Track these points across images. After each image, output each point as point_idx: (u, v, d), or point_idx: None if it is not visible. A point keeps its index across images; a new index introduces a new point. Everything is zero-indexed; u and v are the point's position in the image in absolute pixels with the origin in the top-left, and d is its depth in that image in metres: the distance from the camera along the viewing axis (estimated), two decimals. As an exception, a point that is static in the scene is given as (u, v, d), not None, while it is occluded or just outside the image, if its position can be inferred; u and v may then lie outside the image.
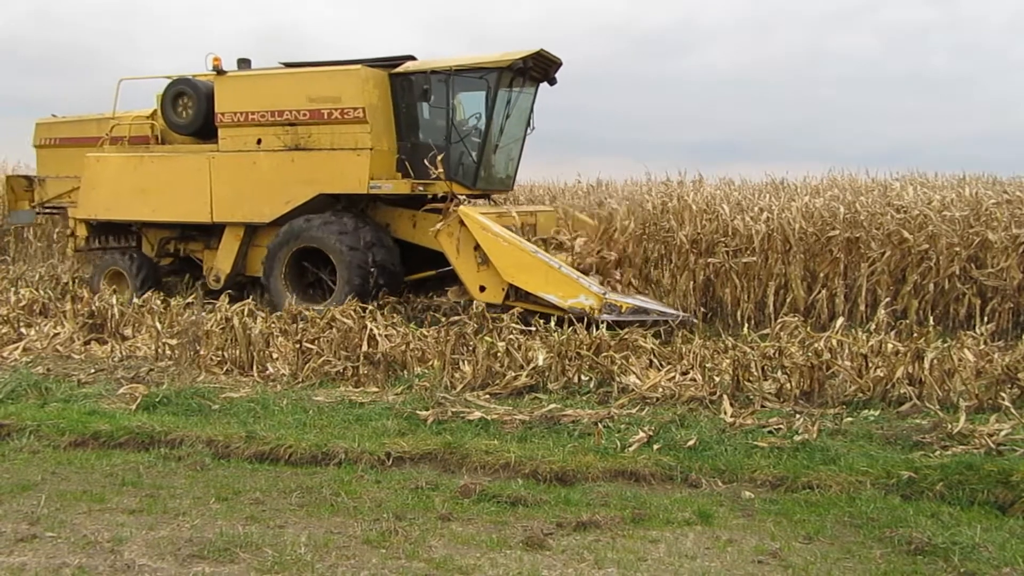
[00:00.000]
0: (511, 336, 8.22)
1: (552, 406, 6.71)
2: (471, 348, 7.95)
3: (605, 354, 7.59)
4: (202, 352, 8.29)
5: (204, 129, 11.74)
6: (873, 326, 8.16)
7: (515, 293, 9.95)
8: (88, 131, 12.95)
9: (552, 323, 8.75)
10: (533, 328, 8.86)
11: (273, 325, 9.03)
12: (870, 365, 6.95)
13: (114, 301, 9.93)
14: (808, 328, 8.05)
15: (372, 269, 10.58)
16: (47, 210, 13.81)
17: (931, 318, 8.99)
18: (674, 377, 7.39)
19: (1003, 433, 5.72)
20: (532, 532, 4.51)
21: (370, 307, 9.71)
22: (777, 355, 7.27)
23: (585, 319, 8.97)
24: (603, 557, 4.25)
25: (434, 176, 10.41)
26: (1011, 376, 6.66)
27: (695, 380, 7.27)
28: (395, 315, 10.30)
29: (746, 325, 9.06)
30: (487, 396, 7.16)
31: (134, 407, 6.98)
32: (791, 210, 11.34)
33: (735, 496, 5.18)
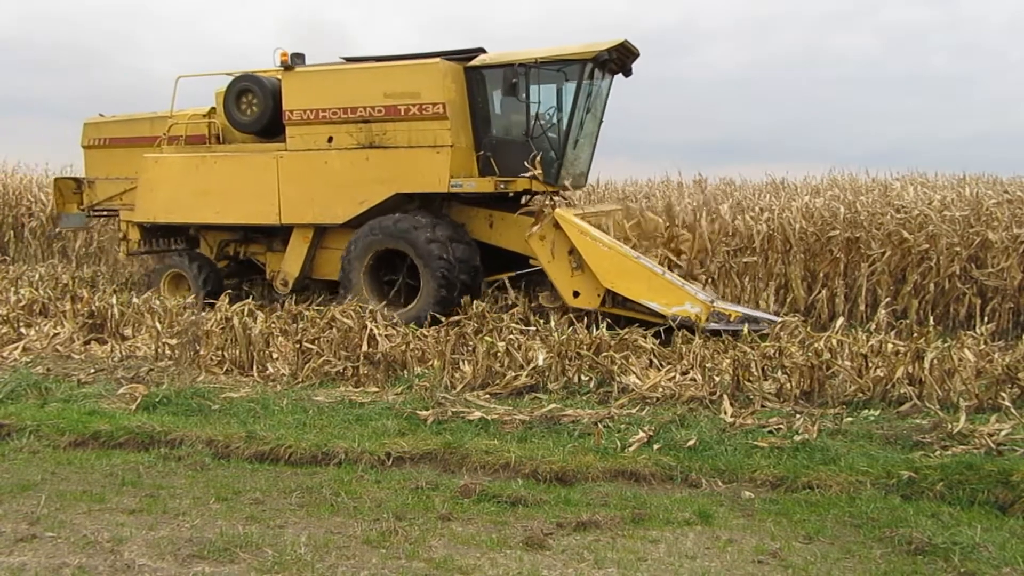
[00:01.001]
0: (511, 336, 8.22)
1: (552, 406, 6.71)
2: (471, 348, 7.95)
3: (605, 354, 7.59)
4: (202, 352, 8.29)
5: (270, 127, 11.24)
6: (873, 326, 8.16)
7: (612, 299, 9.56)
8: (140, 131, 12.49)
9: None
10: (533, 328, 8.86)
11: (273, 325, 9.02)
12: (870, 365, 6.95)
13: (114, 301, 9.92)
14: (808, 328, 8.05)
15: (457, 271, 10.18)
16: (97, 213, 13.31)
17: (931, 318, 8.99)
18: (674, 377, 7.39)
19: (1003, 433, 5.72)
20: (532, 532, 4.51)
21: (370, 307, 9.71)
22: (777, 355, 7.27)
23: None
24: (603, 557, 4.25)
25: (530, 175, 10.02)
26: (1011, 376, 6.65)
27: (695, 380, 7.27)
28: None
29: (746, 327, 9.03)
30: (487, 396, 7.16)
31: (134, 407, 6.98)
32: (791, 210, 11.35)
33: (735, 496, 5.18)
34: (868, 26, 42.46)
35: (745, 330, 8.33)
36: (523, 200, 11.51)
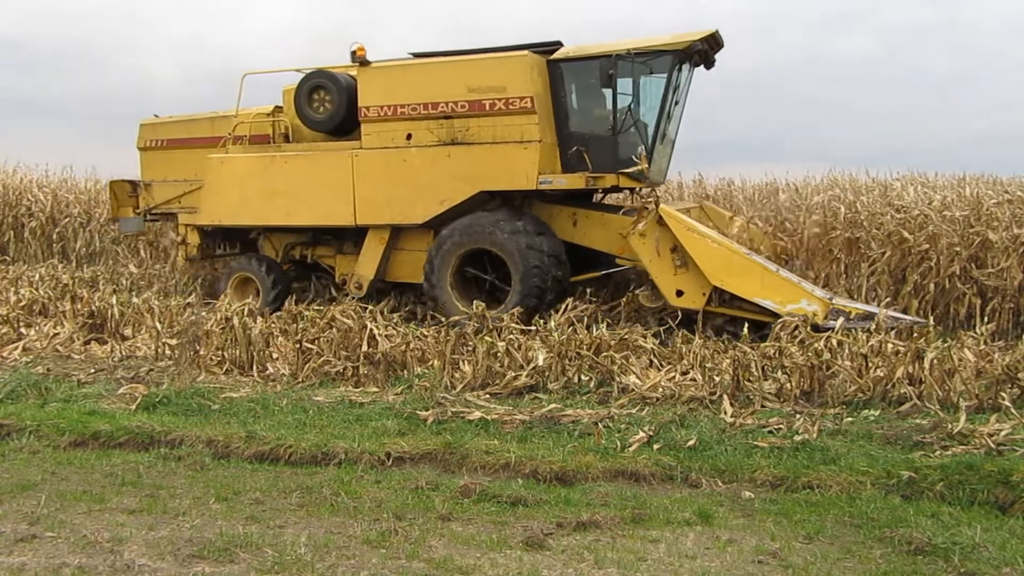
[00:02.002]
0: (511, 336, 8.22)
1: (552, 406, 6.71)
2: (471, 348, 7.95)
3: (605, 354, 7.59)
4: (202, 352, 8.29)
5: (344, 125, 10.86)
6: (873, 326, 8.15)
7: (718, 298, 9.24)
8: (199, 131, 12.07)
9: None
10: (533, 328, 8.85)
11: (273, 325, 9.03)
12: (870, 365, 6.95)
13: (114, 301, 9.92)
14: (808, 328, 8.06)
15: (549, 271, 9.84)
16: (154, 217, 12.87)
17: (931, 318, 8.98)
18: (674, 377, 7.39)
19: (1003, 433, 5.71)
20: (532, 532, 4.51)
21: (370, 307, 9.69)
22: (777, 355, 7.26)
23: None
24: (603, 557, 4.25)
25: (635, 170, 9.62)
26: (1011, 376, 6.65)
27: (695, 380, 7.26)
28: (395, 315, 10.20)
29: (746, 327, 9.04)
30: (487, 396, 7.16)
31: (134, 407, 6.98)
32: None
33: (735, 496, 5.18)
34: (868, 28, 42.47)
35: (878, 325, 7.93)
36: (596, 198, 11.24)
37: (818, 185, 13.86)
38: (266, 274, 11.23)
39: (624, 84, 9.76)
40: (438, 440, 6.04)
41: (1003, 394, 6.42)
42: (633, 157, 9.62)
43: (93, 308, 9.78)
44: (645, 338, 8.32)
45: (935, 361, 6.69)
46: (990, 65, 39.79)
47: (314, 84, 10.90)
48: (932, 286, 10.44)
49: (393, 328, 9.01)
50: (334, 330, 8.47)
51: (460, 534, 4.55)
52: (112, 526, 4.61)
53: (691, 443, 5.87)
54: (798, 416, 6.31)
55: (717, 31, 9.97)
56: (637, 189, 10.68)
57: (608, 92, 9.76)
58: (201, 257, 12.33)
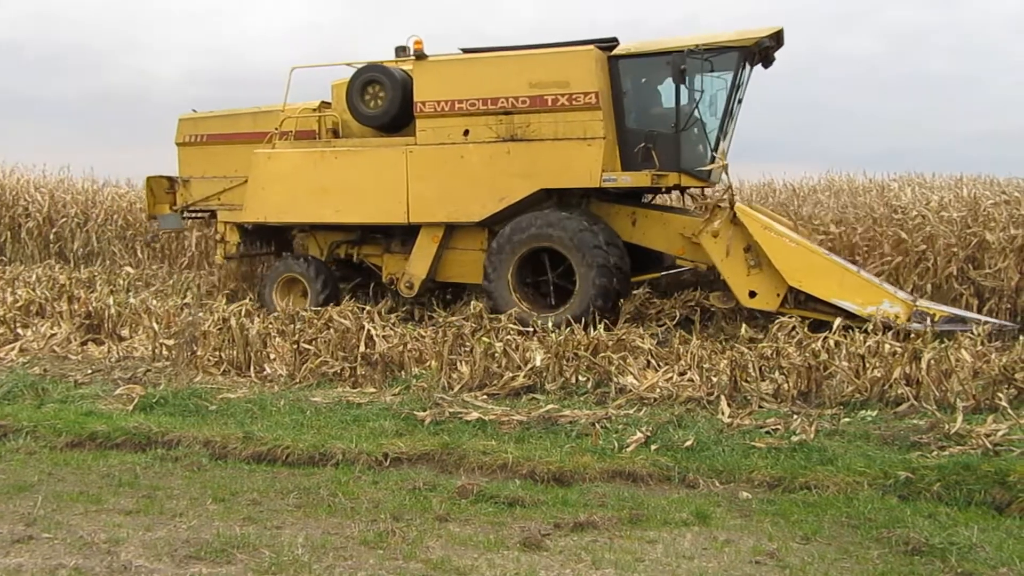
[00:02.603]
0: (508, 337, 8.22)
1: (550, 406, 6.71)
2: (468, 349, 7.95)
3: (603, 354, 7.60)
4: (199, 353, 8.28)
5: (397, 120, 10.59)
6: (870, 326, 8.16)
7: (793, 299, 9.10)
8: (241, 126, 11.78)
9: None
10: (531, 329, 8.84)
11: (271, 326, 9.02)
12: (867, 365, 6.96)
13: (111, 301, 9.91)
14: (805, 328, 8.07)
15: (616, 271, 9.61)
16: (193, 214, 12.63)
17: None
18: (672, 377, 7.39)
19: (1000, 433, 5.72)
20: (530, 533, 4.50)
21: (368, 307, 9.67)
22: (775, 355, 7.27)
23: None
24: (600, 557, 4.25)
25: (715, 167, 9.54)
26: (1008, 377, 6.66)
27: (693, 380, 7.27)
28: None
29: (743, 325, 9.04)
30: (484, 396, 7.16)
31: (131, 408, 6.97)
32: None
33: (733, 496, 5.18)
34: (868, 28, 42.51)
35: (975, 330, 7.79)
36: (647, 197, 11.11)
37: (815, 185, 13.91)
38: (314, 275, 10.94)
39: (692, 81, 9.56)
40: (435, 441, 6.04)
41: (1000, 394, 6.43)
42: (715, 154, 9.54)
43: (90, 309, 9.77)
44: (643, 339, 8.32)
45: (932, 362, 6.69)
46: (989, 66, 39.87)
47: (367, 78, 10.63)
48: (929, 287, 10.46)
49: (391, 329, 9.00)
50: (331, 331, 8.46)
51: (458, 535, 4.55)
52: (109, 527, 4.60)
53: (688, 444, 5.87)
54: (795, 417, 6.31)
55: (782, 29, 9.74)
56: (700, 189, 10.51)
57: (672, 89, 9.57)
58: (240, 256, 12.14)
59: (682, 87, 9.43)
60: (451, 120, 10.16)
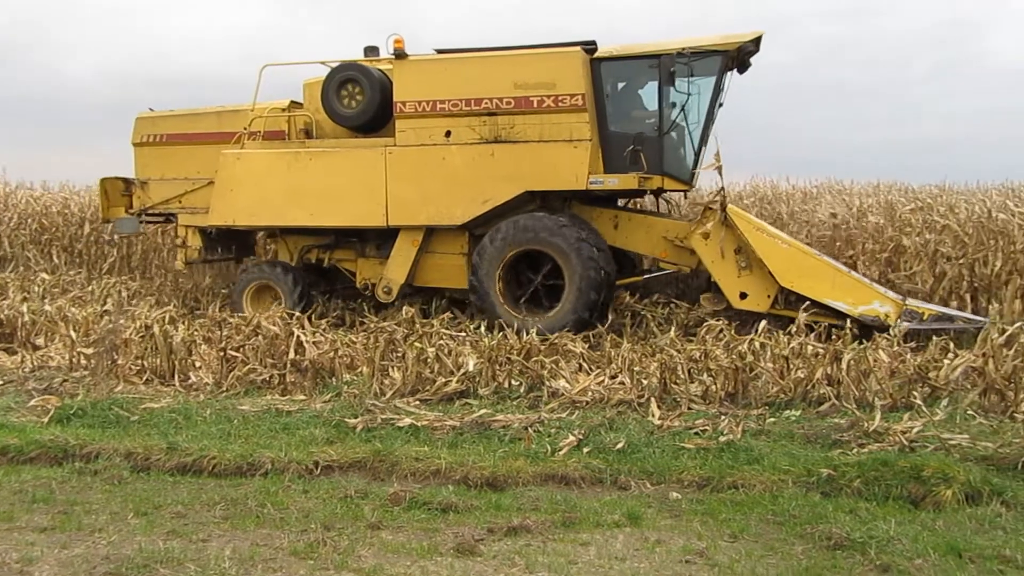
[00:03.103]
0: (441, 342, 8.18)
1: (483, 411, 6.70)
2: (401, 354, 7.88)
3: (535, 359, 7.63)
4: (120, 361, 8.00)
5: (375, 121, 10.36)
6: (794, 328, 8.40)
7: (784, 300, 9.18)
8: (205, 126, 11.30)
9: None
10: (463, 333, 8.82)
11: (196, 333, 8.78)
12: (791, 366, 7.15)
13: (24, 309, 9.50)
14: (732, 331, 8.26)
15: (604, 275, 9.53)
16: (150, 218, 12.01)
17: (849, 320, 9.27)
18: (603, 381, 7.46)
19: (915, 430, 5.95)
20: (463, 538, 4.49)
21: (297, 314, 9.51)
22: (703, 358, 7.42)
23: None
24: (534, 561, 4.26)
25: (713, 166, 9.43)
26: (922, 376, 6.94)
27: (624, 384, 7.35)
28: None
29: (672, 329, 9.20)
30: (417, 402, 7.11)
31: (46, 420, 6.68)
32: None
33: (663, 497, 5.25)
34: (786, 41, 43.95)
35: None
36: (621, 202, 11.02)
37: (740, 191, 14.25)
38: (292, 284, 10.58)
39: (679, 84, 9.55)
40: (367, 448, 5.96)
41: (915, 393, 6.70)
42: (715, 156, 9.47)
43: (1, 316, 9.35)
44: (574, 342, 8.39)
45: (852, 362, 6.92)
46: (894, 77, 41.63)
47: (344, 77, 10.36)
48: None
49: (321, 335, 8.86)
50: (260, 337, 8.28)
51: (390, 542, 4.50)
52: (21, 545, 4.40)
53: (620, 446, 5.94)
54: (723, 417, 6.45)
55: (763, 34, 9.85)
56: (683, 193, 10.60)
57: (654, 92, 9.61)
58: (202, 261, 11.68)
59: (669, 90, 9.43)
60: (432, 121, 9.97)
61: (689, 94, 9.53)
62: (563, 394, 7.10)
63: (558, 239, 9.57)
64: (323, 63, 10.77)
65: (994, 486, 5.06)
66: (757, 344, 7.52)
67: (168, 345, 8.06)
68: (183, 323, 9.25)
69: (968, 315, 9.17)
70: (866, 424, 6.05)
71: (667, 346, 7.98)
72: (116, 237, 14.15)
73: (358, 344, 8.47)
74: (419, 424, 6.44)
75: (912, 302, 8.97)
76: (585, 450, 5.92)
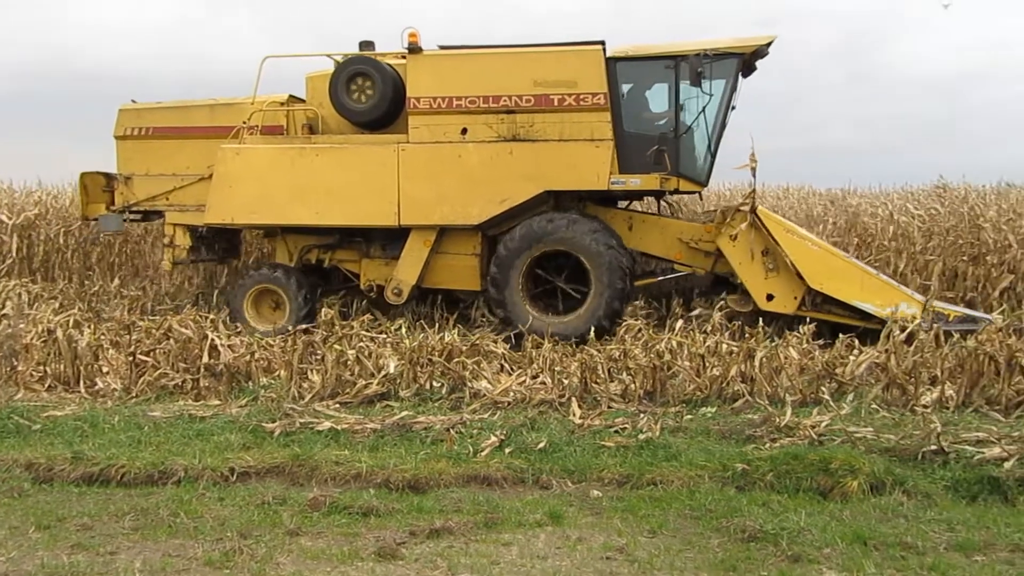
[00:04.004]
0: (361, 344, 8.08)
1: (404, 413, 6.65)
2: (320, 356, 7.75)
3: (457, 360, 7.61)
4: (20, 368, 7.63)
5: (386, 117, 9.98)
6: (709, 327, 8.62)
7: (810, 302, 9.16)
8: (196, 120, 10.70)
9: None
10: (384, 335, 8.74)
11: (103, 337, 8.43)
12: (707, 365, 7.34)
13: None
14: (651, 330, 8.42)
15: (628, 276, 9.41)
16: (134, 215, 11.24)
17: (761, 319, 9.58)
18: (525, 381, 7.49)
19: (823, 424, 6.19)
20: (384, 542, 4.45)
21: (211, 316, 9.24)
22: (622, 357, 7.54)
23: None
24: (456, 563, 4.25)
25: (747, 165, 9.31)
26: (830, 372, 7.23)
27: (545, 383, 7.41)
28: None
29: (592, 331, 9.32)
30: (337, 405, 7.00)
31: (-61, 430, 6.31)
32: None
33: (584, 495, 5.31)
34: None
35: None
36: (622, 203, 10.83)
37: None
38: (297, 288, 10.09)
39: (699, 86, 9.47)
40: (286, 453, 5.84)
41: (823, 388, 6.98)
42: (752, 155, 9.37)
43: None
44: (496, 343, 8.41)
45: (764, 359, 7.15)
46: (806, 85, 43.24)
47: (355, 71, 9.94)
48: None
49: (236, 337, 8.62)
50: (171, 341, 8.02)
51: (309, 549, 4.42)
52: (-89, 564, 4.15)
53: (541, 445, 5.98)
54: (642, 415, 6.56)
55: (775, 38, 9.75)
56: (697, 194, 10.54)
57: (670, 93, 9.56)
58: (190, 261, 11.05)
59: (689, 90, 9.39)
60: (448, 118, 9.70)
61: (711, 95, 9.50)
62: (485, 395, 7.10)
63: (580, 239, 9.50)
64: (328, 56, 10.44)
65: (896, 476, 5.31)
66: (674, 343, 7.69)
67: (73, 350, 7.74)
68: (89, 327, 8.87)
69: (991, 316, 9.20)
70: (778, 419, 6.25)
71: (586, 346, 8.08)
72: (101, 236, 13.27)
73: (275, 347, 8.29)
74: (339, 427, 6.35)
75: (938, 304, 9.00)
76: (507, 450, 5.94)
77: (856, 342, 7.88)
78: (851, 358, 7.51)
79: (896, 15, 43.60)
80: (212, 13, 45.56)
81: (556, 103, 9.49)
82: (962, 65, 40.13)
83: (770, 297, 9.37)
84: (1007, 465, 5.37)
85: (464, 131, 9.71)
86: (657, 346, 7.60)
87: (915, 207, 12.19)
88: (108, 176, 11.28)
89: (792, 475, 5.38)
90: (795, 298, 9.27)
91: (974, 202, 12.14)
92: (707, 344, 7.66)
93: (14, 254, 13.59)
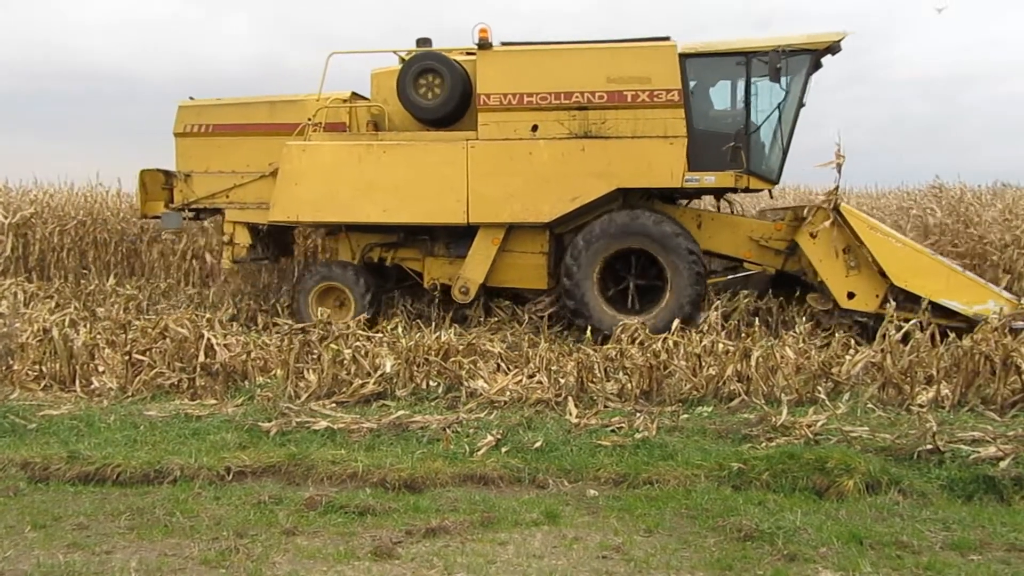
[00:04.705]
0: (358, 343, 8.07)
1: (400, 413, 6.64)
2: (316, 356, 7.74)
3: (453, 359, 7.61)
4: (16, 367, 7.61)
5: (453, 113, 9.97)
6: (706, 326, 8.63)
7: (893, 299, 8.97)
8: (256, 116, 10.67)
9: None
10: (380, 334, 8.73)
11: (98, 336, 8.41)
12: (703, 364, 7.34)
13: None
14: (647, 330, 8.42)
15: (704, 274, 9.44)
16: (193, 212, 11.16)
17: (756, 319, 9.58)
18: (521, 380, 7.49)
19: (820, 424, 6.20)
20: (381, 541, 4.44)
21: (207, 315, 9.23)
22: (618, 356, 7.54)
23: None
24: (453, 562, 4.25)
25: (832, 163, 9.24)
26: (826, 371, 7.24)
27: (541, 383, 7.40)
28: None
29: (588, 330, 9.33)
30: (333, 405, 6.99)
31: (-66, 430, 6.30)
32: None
33: (580, 495, 5.32)
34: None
35: None
36: (680, 200, 10.79)
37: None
38: (365, 287, 10.10)
39: (767, 82, 9.42)
40: (282, 452, 5.83)
41: (819, 388, 6.99)
42: (838, 151, 9.28)
43: None
44: (492, 342, 8.41)
45: (760, 359, 7.15)
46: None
47: (423, 67, 9.88)
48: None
49: (232, 337, 8.61)
50: (167, 340, 8.00)
51: (306, 548, 4.42)
52: (-94, 564, 4.14)
53: (538, 445, 5.98)
54: (638, 415, 6.57)
55: (848, 35, 9.61)
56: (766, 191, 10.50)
57: (740, 90, 9.58)
58: (250, 259, 10.99)
59: (765, 87, 9.38)
60: (518, 114, 9.66)
61: (787, 91, 9.48)
62: (481, 394, 7.10)
63: (660, 236, 9.50)
64: (394, 52, 10.48)
65: (892, 475, 5.32)
66: (671, 343, 7.69)
67: (68, 349, 7.71)
68: (84, 326, 8.86)
69: None
70: (774, 419, 6.26)
71: (584, 345, 8.09)
72: (162, 234, 13.28)
73: (272, 346, 8.29)
74: (335, 427, 6.34)
75: None
76: (503, 450, 5.94)
77: (852, 342, 7.89)
78: (847, 357, 7.53)
79: (891, 17, 43.72)
80: (208, 13, 45.47)
81: (630, 99, 9.46)
82: (956, 67, 40.27)
83: (851, 295, 9.31)
84: (1002, 464, 5.38)
85: (535, 128, 9.68)
86: (653, 345, 7.60)
87: (912, 207, 12.23)
88: (167, 173, 11.22)
89: (788, 474, 5.38)
90: (877, 296, 9.22)
91: (969, 202, 12.19)
92: (703, 343, 7.66)
93: (9, 253, 13.58)
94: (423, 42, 10.35)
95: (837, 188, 9.59)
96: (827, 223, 9.34)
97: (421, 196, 9.85)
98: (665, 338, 7.78)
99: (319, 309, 9.59)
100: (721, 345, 7.68)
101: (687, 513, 4.95)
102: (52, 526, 4.71)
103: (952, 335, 8.09)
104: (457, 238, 10.26)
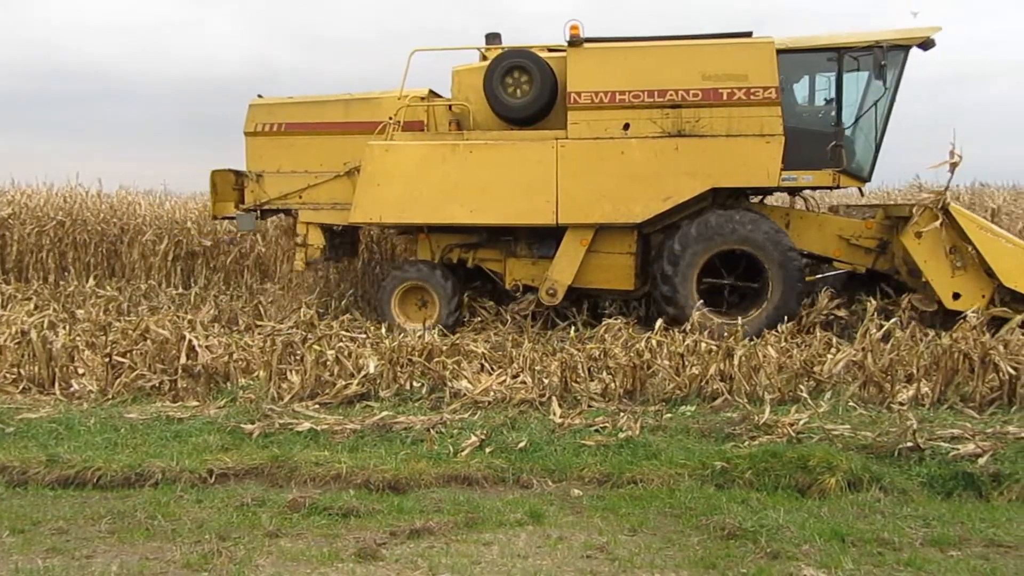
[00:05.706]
0: (341, 344, 8.04)
1: (384, 414, 6.62)
2: (299, 357, 7.70)
3: (437, 360, 7.59)
4: (-7, 370, 7.52)
5: (541, 112, 9.78)
6: (688, 326, 8.66)
7: (1000, 299, 8.96)
8: (331, 115, 10.50)
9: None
10: (364, 335, 8.70)
11: (78, 338, 8.33)
12: (686, 363, 7.37)
13: None
14: (631, 329, 8.44)
15: (803, 275, 9.33)
16: (265, 213, 11.04)
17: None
18: (505, 380, 7.49)
19: (802, 422, 6.24)
20: (365, 543, 4.43)
21: (188, 316, 9.16)
22: (602, 356, 7.55)
23: None
24: (437, 563, 4.24)
25: (944, 164, 9.12)
26: (808, 370, 7.29)
27: (525, 383, 7.41)
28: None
29: (572, 328, 9.35)
30: (316, 406, 6.96)
31: (-91, 434, 6.21)
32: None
33: (565, 494, 5.32)
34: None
35: None
36: (755, 198, 10.65)
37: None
38: (452, 289, 9.97)
39: (861, 78, 9.35)
40: (265, 454, 5.80)
41: (801, 386, 7.04)
42: (953, 151, 9.14)
43: None
44: (476, 343, 8.40)
45: (743, 358, 7.19)
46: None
47: (511, 64, 9.69)
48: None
49: (214, 338, 8.55)
50: (148, 342, 7.93)
51: (289, 550, 4.39)
52: None
53: (522, 445, 5.98)
54: (622, 414, 6.58)
55: (941, 29, 9.49)
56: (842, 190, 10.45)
57: (832, 86, 9.49)
58: (324, 260, 10.82)
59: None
60: (609, 113, 9.50)
61: (887, 87, 9.38)
62: (465, 394, 7.09)
63: (760, 237, 9.40)
64: (477, 49, 10.35)
65: (873, 473, 5.36)
66: (654, 342, 7.72)
67: (47, 351, 7.62)
68: (64, 327, 8.76)
69: None
70: (756, 417, 6.29)
71: (567, 345, 8.10)
72: (238, 236, 13.10)
73: (254, 347, 8.24)
74: (319, 428, 6.32)
75: None
76: (487, 450, 5.94)
77: (834, 340, 7.94)
78: (829, 356, 7.58)
79: (881, 16, 44.08)
80: (195, 14, 45.13)
81: (725, 97, 9.32)
82: (945, 67, 40.64)
83: (956, 296, 9.21)
84: (981, 461, 5.45)
85: (626, 126, 9.54)
86: (637, 345, 7.62)
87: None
88: (238, 174, 11.04)
89: (771, 473, 5.42)
90: (983, 296, 9.14)
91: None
92: (686, 343, 7.69)
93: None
94: (493, 38, 10.24)
95: (947, 188, 9.45)
96: (936, 223, 9.18)
97: (509, 196, 9.70)
98: (648, 337, 7.81)
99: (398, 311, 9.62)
100: (704, 344, 7.72)
101: (671, 512, 4.97)
102: (31, 531, 4.66)
103: (932, 333, 8.17)
104: (540, 239, 10.14)
